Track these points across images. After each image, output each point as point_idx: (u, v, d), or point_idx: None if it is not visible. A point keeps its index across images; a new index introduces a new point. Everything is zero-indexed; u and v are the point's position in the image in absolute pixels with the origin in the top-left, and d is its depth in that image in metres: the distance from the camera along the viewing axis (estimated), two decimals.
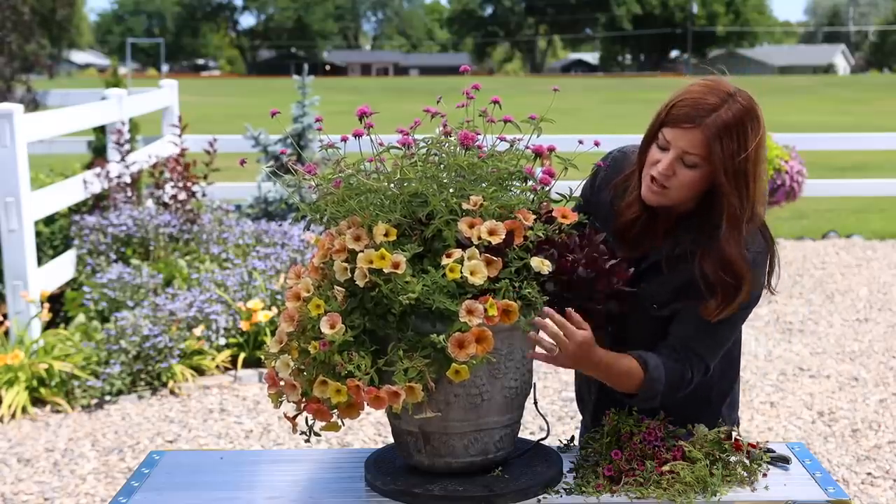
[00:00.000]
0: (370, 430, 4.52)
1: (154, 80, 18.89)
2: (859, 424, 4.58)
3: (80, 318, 5.35)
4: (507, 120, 2.03)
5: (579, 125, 16.36)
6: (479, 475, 1.96)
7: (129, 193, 6.51)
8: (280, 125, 8.35)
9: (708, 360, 2.08)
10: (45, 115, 6.72)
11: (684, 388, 2.05)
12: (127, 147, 6.63)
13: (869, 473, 4.07)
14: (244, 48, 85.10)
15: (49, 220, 6.36)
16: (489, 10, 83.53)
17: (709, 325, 2.04)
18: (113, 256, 6.01)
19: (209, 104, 27.14)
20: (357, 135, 1.96)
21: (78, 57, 57.65)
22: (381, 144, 1.99)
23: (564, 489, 1.97)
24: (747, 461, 2.03)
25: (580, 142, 2.09)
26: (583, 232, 1.98)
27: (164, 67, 62.25)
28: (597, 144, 2.12)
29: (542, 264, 1.88)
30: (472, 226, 1.88)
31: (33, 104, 10.43)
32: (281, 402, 1.92)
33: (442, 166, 1.97)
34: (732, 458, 2.02)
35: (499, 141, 2.03)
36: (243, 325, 5.25)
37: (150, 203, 6.70)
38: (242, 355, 5.29)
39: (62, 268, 5.85)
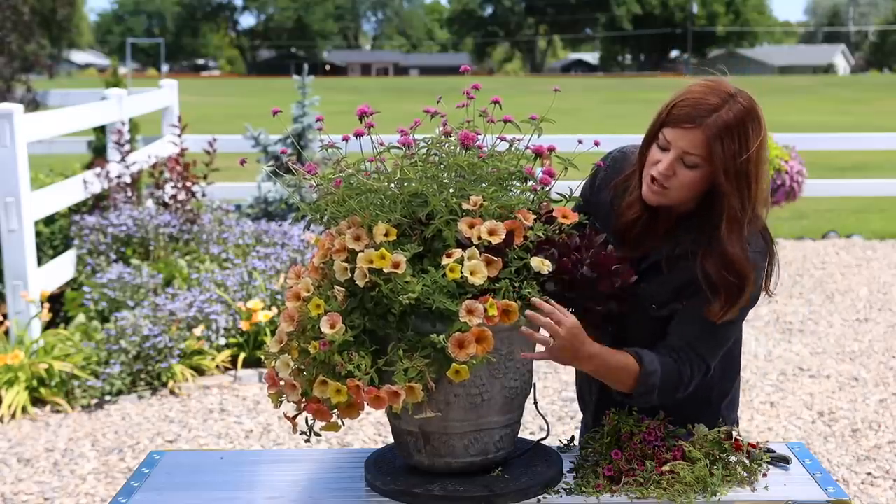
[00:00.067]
0: (370, 430, 4.52)
1: (154, 80, 18.89)
2: (859, 424, 4.58)
3: (80, 318, 5.35)
4: (507, 120, 2.03)
5: (579, 125, 16.36)
6: (479, 475, 1.96)
7: (129, 193, 6.51)
8: (280, 125, 8.35)
9: (708, 360, 2.08)
10: (45, 115, 6.72)
11: (683, 387, 2.05)
12: (127, 147, 6.63)
13: (869, 473, 4.07)
14: (244, 48, 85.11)
15: (49, 220, 6.36)
16: (489, 10, 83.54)
17: (709, 324, 2.04)
18: (113, 256, 6.02)
19: (209, 104, 27.14)
20: (358, 134, 1.96)
21: (78, 57, 57.66)
22: (381, 144, 1.99)
23: (564, 489, 1.97)
24: (747, 461, 2.03)
25: (580, 142, 2.09)
26: (583, 232, 1.98)
27: (164, 67, 62.25)
28: (597, 144, 2.12)
29: (542, 264, 1.88)
30: (472, 226, 1.88)
31: (33, 104, 10.44)
32: (281, 402, 1.92)
33: (442, 166, 1.97)
34: (732, 458, 2.02)
35: (499, 141, 2.04)
36: (243, 325, 5.25)
37: (150, 203, 6.70)
38: (242, 355, 5.29)
39: (62, 268, 5.85)
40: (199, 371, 5.23)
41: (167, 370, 5.02)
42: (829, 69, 67.90)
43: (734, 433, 2.07)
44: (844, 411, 4.76)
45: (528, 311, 1.86)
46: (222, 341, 5.31)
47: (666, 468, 1.96)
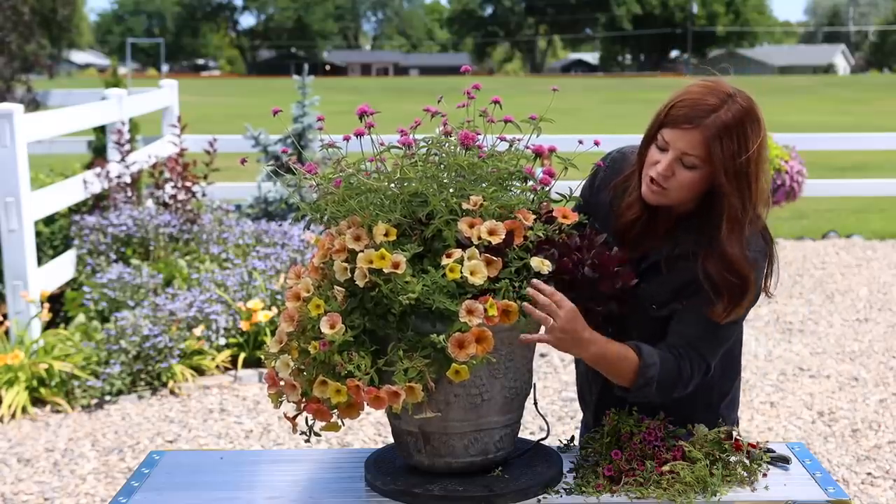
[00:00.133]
0: (370, 430, 4.52)
1: (154, 80, 18.89)
2: (859, 424, 4.58)
3: (80, 318, 5.35)
4: (507, 120, 2.03)
5: (579, 125, 16.36)
6: (479, 475, 1.96)
7: (129, 193, 6.51)
8: (280, 125, 8.36)
9: (709, 359, 2.07)
10: (45, 115, 6.72)
11: (682, 384, 2.04)
12: (127, 147, 6.63)
13: (869, 473, 4.07)
14: (244, 48, 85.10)
15: (49, 220, 6.36)
16: (489, 10, 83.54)
17: (710, 324, 2.04)
18: (113, 256, 6.02)
19: (209, 104, 27.14)
20: (358, 134, 1.96)
21: (78, 57, 57.65)
22: (381, 144, 1.99)
23: (564, 489, 1.97)
24: (747, 461, 2.03)
25: (580, 142, 2.09)
26: (583, 232, 1.98)
27: (164, 67, 62.25)
28: (597, 144, 2.12)
29: (542, 264, 1.88)
30: (472, 226, 1.88)
31: (33, 104, 10.45)
32: (281, 402, 1.92)
33: (442, 166, 1.97)
34: (732, 458, 2.02)
35: (499, 141, 2.04)
36: (243, 325, 5.25)
37: (150, 203, 6.70)
38: (242, 355, 5.29)
39: (62, 268, 5.85)
40: (199, 371, 5.23)
41: (167, 370, 5.02)
42: (829, 69, 67.90)
43: (734, 433, 2.07)
44: (844, 411, 4.76)
45: (528, 290, 1.86)
46: (222, 341, 5.31)
47: (666, 468, 1.96)
